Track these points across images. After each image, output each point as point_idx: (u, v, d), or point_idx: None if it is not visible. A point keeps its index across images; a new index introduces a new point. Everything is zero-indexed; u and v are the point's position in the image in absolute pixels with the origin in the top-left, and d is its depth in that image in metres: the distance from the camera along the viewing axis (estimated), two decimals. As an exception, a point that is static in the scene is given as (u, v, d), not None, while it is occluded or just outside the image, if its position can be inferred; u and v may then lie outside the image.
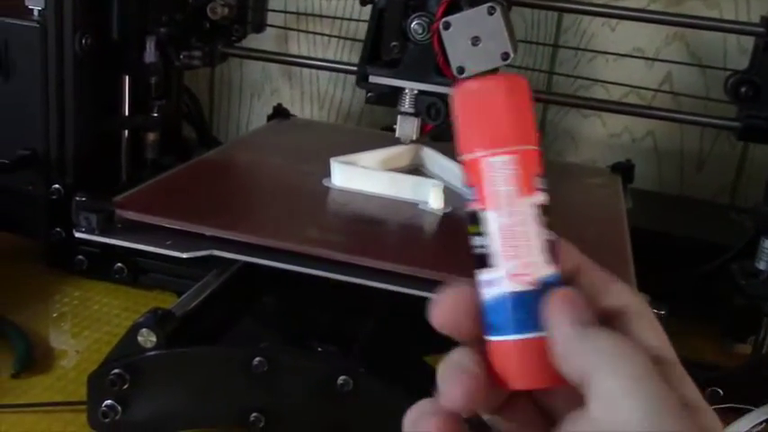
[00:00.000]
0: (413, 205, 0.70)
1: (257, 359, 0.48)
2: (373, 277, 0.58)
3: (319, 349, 0.53)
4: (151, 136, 0.84)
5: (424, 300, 0.56)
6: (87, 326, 0.72)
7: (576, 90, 1.07)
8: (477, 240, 0.32)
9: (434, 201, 0.70)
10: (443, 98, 0.71)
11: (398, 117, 0.73)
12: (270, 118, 0.97)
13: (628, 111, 0.95)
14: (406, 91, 0.72)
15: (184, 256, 0.59)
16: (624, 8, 0.92)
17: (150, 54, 0.78)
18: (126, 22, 0.77)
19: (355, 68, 0.91)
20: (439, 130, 0.73)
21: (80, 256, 0.76)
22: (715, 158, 1.07)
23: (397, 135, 0.74)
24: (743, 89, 0.78)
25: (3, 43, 0.72)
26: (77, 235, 0.62)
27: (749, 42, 0.82)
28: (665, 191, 1.08)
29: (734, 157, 1.06)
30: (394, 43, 0.71)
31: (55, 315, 0.73)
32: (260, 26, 0.91)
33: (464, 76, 0.69)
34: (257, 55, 0.92)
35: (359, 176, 0.73)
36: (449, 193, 0.74)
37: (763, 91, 0.77)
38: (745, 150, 1.05)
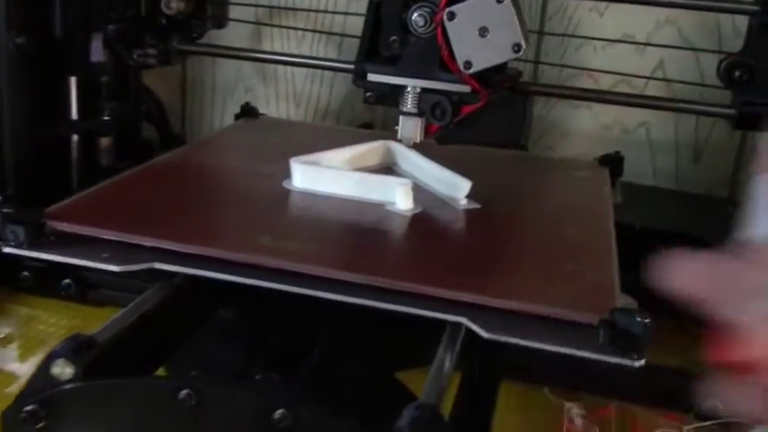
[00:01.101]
0: (379, 207, 0.65)
1: (184, 392, 0.42)
2: (331, 289, 0.52)
3: (257, 377, 0.47)
4: (105, 140, 0.79)
5: (392, 312, 0.52)
6: (32, 348, 0.67)
7: (564, 80, 1.02)
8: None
9: (402, 201, 0.65)
10: (449, 96, 0.66)
11: (400, 118, 0.67)
12: (237, 117, 0.92)
13: (619, 100, 0.89)
14: (408, 89, 0.66)
15: (117, 269, 0.54)
16: (611, -9, 0.87)
17: (97, 53, 0.72)
18: (70, 19, 0.71)
19: (332, 64, 0.86)
20: (445, 132, 0.68)
21: (25, 273, 0.71)
22: (712, 149, 1.01)
23: (399, 137, 0.68)
24: (737, 73, 0.72)
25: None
26: (5, 250, 0.56)
27: (744, 23, 0.76)
28: (659, 184, 1.02)
29: (732, 147, 1.00)
30: (393, 37, 0.66)
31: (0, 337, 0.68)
32: (221, 21, 0.86)
33: (472, 71, 0.64)
34: (221, 52, 0.87)
35: (321, 177, 0.68)
36: (420, 192, 0.69)
37: (758, 74, 0.71)
38: (744, 139, 0.99)
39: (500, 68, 0.68)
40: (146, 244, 0.56)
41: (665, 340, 0.66)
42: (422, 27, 0.65)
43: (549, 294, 0.52)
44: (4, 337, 0.68)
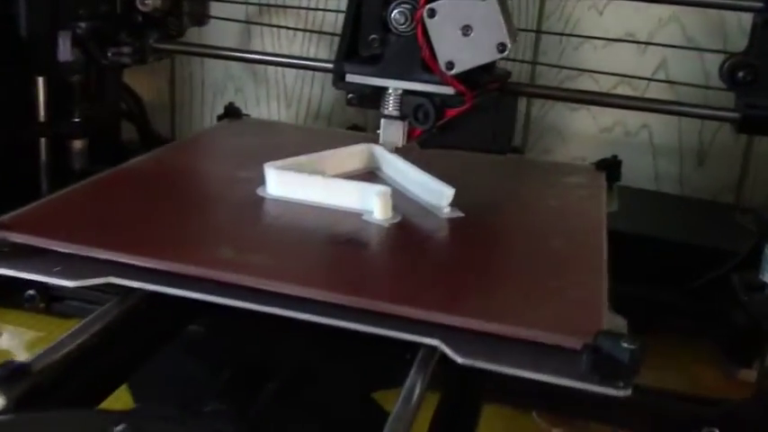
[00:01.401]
0: (356, 216, 0.61)
1: (120, 427, 0.39)
2: (293, 306, 0.49)
3: (207, 408, 0.44)
4: (77, 143, 0.75)
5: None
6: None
7: (562, 81, 0.98)
8: None
9: (379, 210, 0.61)
10: (432, 98, 0.62)
11: (381, 121, 0.64)
12: (220, 118, 0.88)
13: (618, 103, 0.84)
14: (390, 91, 0.63)
15: (71, 285, 0.50)
16: (611, -12, 0.83)
17: (65, 52, 0.69)
18: (35, 16, 0.68)
19: (322, 64, 0.82)
20: (428, 136, 0.65)
21: (-17, 285, 0.67)
22: (717, 153, 0.97)
23: (380, 141, 0.65)
24: (740, 73, 0.68)
25: None
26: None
27: (750, 21, 0.72)
28: (662, 189, 0.98)
29: (738, 151, 0.96)
30: (373, 36, 0.63)
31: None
32: (200, 19, 0.82)
33: (455, 71, 0.61)
34: (201, 51, 0.83)
35: (295, 183, 0.64)
36: (401, 199, 0.65)
37: (763, 75, 0.67)
38: (750, 144, 0.95)
39: (487, 69, 0.64)
40: (101, 257, 0.52)
41: (667, 356, 0.62)
42: (402, 25, 0.61)
43: (530, 315, 0.49)
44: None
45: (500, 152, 0.69)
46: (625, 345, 0.43)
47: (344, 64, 0.65)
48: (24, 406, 0.40)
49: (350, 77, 0.65)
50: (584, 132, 1.00)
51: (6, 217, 0.56)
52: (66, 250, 0.53)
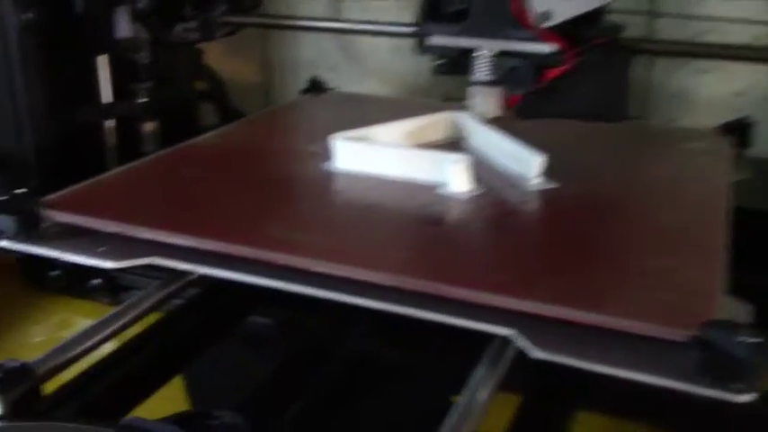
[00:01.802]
0: (430, 189, 0.54)
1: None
2: (342, 289, 0.42)
3: (216, 422, 0.37)
4: (148, 126, 0.71)
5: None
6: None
7: (687, 36, 0.86)
8: None
9: (456, 182, 0.53)
10: (527, 58, 0.54)
11: (472, 89, 0.58)
12: (304, 93, 0.82)
13: (756, 57, 0.73)
14: (479, 53, 0.55)
15: (110, 266, 0.46)
16: None
17: (123, 29, 0.65)
18: (91, -7, 0.64)
19: (403, 29, 0.75)
20: (526, 103, 0.57)
21: (55, 272, 0.64)
22: None
23: (472, 112, 0.58)
24: None
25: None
26: (1, 244, 0.49)
27: None
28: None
29: None
30: None
31: (29, 344, 0.62)
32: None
33: (551, 23, 0.53)
34: (273, 22, 0.78)
35: (362, 155, 0.57)
36: (486, 170, 0.57)
37: None
38: None
39: (592, 21, 0.56)
40: (144, 237, 0.47)
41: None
42: (488, -28, 0.53)
43: (625, 301, 0.40)
44: (33, 345, 0.62)
45: (612, 120, 0.60)
46: (743, 338, 0.34)
47: (427, 25, 0.58)
48: (23, 412, 0.36)
49: (433, 39, 0.58)
50: (714, 97, 0.88)
51: (54, 196, 0.52)
52: (111, 230, 0.48)
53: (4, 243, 0.48)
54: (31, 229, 0.49)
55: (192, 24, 0.68)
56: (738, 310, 0.39)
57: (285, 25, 0.76)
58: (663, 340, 0.37)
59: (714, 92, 0.88)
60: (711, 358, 0.34)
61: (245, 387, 0.49)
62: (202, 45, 0.80)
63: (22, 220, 0.48)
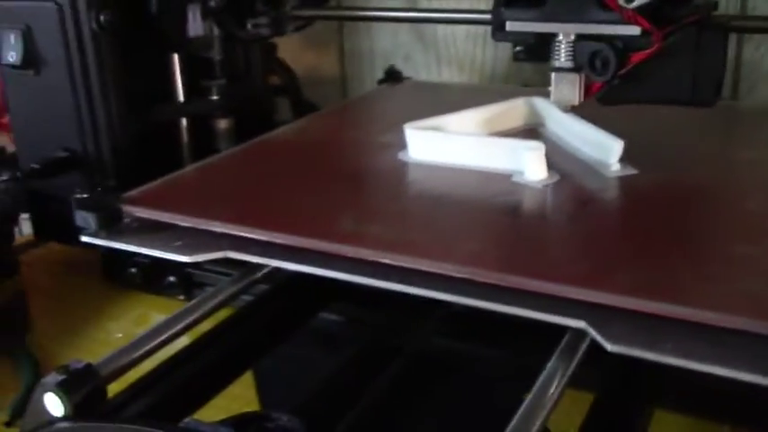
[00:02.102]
0: (506, 177, 0.52)
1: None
2: (411, 281, 0.41)
3: (271, 425, 0.36)
4: (222, 123, 0.72)
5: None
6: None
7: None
8: None
9: (531, 170, 0.51)
10: (612, 42, 0.52)
11: (552, 76, 0.56)
12: (380, 82, 0.82)
13: None
14: (559, 37, 0.54)
15: (187, 260, 0.46)
16: None
17: (196, 26, 0.65)
18: (165, -9, 0.65)
19: (481, 16, 0.73)
20: (610, 89, 0.55)
21: (133, 269, 0.66)
22: None
23: (552, 100, 0.56)
24: None
25: (26, 31, 0.63)
26: (83, 239, 0.50)
27: None
28: None
29: None
30: None
31: (107, 340, 0.63)
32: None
33: (636, 4, 0.50)
34: (343, 14, 0.77)
35: (437, 144, 0.56)
36: (563, 158, 0.55)
37: None
38: None
39: (681, -1, 0.53)
40: (217, 230, 0.47)
41: None
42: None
43: (707, 291, 0.37)
44: (111, 341, 0.63)
45: (705, 104, 0.57)
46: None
47: (503, 10, 0.56)
48: (87, 413, 0.36)
49: (510, 25, 0.56)
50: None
51: (134, 192, 0.53)
52: (185, 224, 0.49)
53: (87, 238, 0.50)
54: (111, 224, 0.50)
55: (263, 20, 0.68)
56: None
57: (359, 17, 0.75)
58: (749, 333, 0.34)
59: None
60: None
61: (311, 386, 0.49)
62: (276, 39, 0.80)
63: (103, 215, 0.49)
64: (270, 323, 0.51)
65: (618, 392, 0.43)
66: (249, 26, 0.70)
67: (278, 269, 0.46)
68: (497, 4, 0.57)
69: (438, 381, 0.47)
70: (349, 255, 0.43)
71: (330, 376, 0.46)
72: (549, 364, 0.37)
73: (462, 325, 0.49)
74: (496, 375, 0.48)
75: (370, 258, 0.43)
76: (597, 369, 0.41)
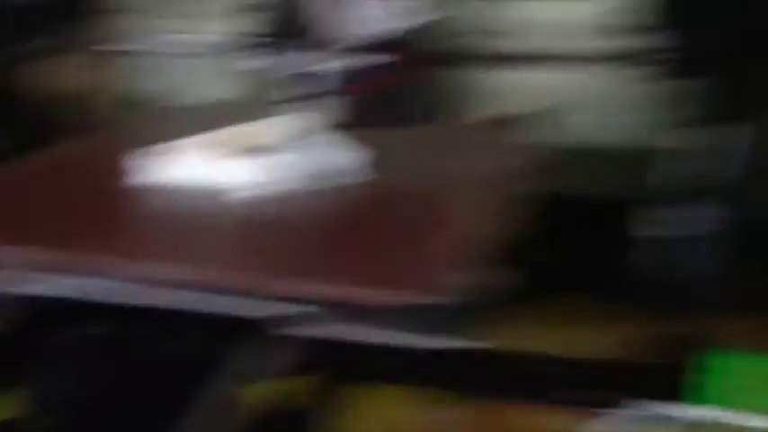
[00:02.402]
0: (230, 191, 0.60)
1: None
2: (142, 293, 0.48)
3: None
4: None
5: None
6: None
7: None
8: None
9: (248, 183, 0.60)
10: (327, 77, 0.61)
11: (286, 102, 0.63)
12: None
13: (555, 61, 0.82)
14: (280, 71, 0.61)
15: None
16: None
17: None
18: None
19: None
20: (349, 114, 0.64)
21: None
22: None
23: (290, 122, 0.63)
24: None
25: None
26: None
27: None
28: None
29: None
30: None
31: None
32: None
33: (350, 43, 0.58)
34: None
35: (170, 166, 0.63)
36: (289, 171, 0.63)
37: None
38: None
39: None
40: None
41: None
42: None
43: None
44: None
45: (425, 123, 0.66)
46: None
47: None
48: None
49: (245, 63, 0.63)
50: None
51: None
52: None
53: None
54: None
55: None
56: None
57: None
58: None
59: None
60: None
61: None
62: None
63: None
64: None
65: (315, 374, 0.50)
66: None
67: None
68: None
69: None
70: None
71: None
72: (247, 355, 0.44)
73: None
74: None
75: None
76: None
